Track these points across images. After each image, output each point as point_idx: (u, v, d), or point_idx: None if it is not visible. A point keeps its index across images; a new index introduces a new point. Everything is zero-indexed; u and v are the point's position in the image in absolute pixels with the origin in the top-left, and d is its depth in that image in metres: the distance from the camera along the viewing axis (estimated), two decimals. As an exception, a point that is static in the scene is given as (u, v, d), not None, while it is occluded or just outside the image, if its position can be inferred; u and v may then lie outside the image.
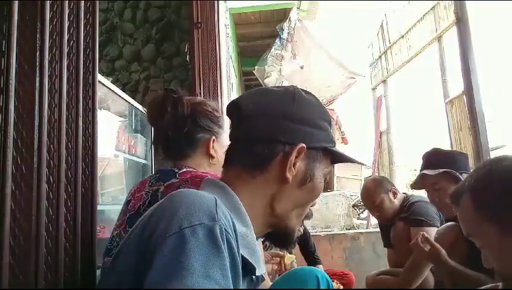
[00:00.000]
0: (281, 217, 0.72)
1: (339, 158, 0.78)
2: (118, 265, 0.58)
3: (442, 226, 1.84)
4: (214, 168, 1.16)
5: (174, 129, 1.13)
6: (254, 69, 5.71)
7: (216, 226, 0.52)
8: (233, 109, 0.75)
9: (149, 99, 1.18)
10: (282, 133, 0.70)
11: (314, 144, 0.72)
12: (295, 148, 0.69)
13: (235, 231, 0.57)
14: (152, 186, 1.10)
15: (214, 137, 1.17)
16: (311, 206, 0.79)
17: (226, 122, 0.98)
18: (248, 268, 0.62)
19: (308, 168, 0.72)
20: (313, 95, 0.77)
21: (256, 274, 0.64)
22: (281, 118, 0.71)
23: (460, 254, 1.63)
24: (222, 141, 1.22)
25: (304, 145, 0.69)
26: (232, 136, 0.77)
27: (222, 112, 1.17)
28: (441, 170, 1.72)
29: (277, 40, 5.35)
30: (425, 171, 1.79)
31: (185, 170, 1.09)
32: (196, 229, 0.51)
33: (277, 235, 0.75)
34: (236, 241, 0.57)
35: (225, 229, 0.53)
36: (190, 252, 0.49)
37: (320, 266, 2.76)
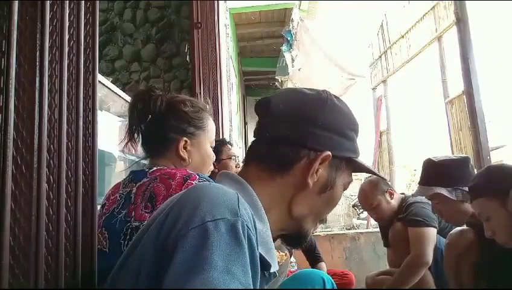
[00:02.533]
0: (298, 220, 0.72)
1: (361, 169, 0.78)
2: (133, 262, 0.58)
3: (455, 230, 1.82)
4: (190, 168, 1.15)
5: (146, 126, 1.14)
6: (277, 81, 5.71)
7: (238, 222, 0.52)
8: (263, 106, 0.74)
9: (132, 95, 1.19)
10: (309, 138, 0.69)
11: (339, 153, 0.71)
12: (321, 155, 0.68)
13: (255, 227, 0.57)
14: (125, 187, 1.09)
15: (185, 138, 1.16)
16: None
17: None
18: (263, 265, 0.62)
19: (330, 176, 0.71)
20: (345, 103, 0.76)
21: (271, 271, 0.64)
22: (310, 123, 0.70)
23: (472, 259, 1.65)
24: (200, 143, 1.20)
25: (329, 153, 0.69)
26: (257, 133, 0.76)
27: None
28: (432, 191, 1.76)
29: (284, 46, 5.34)
30: (418, 195, 1.93)
31: (155, 168, 1.09)
32: (219, 223, 0.51)
33: (291, 236, 0.76)
34: (256, 238, 0.57)
35: (247, 226, 0.54)
36: (212, 246, 0.49)
37: (323, 263, 2.75)
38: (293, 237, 0.75)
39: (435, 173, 1.80)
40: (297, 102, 0.73)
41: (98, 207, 0.78)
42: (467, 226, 1.75)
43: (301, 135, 0.69)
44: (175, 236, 0.52)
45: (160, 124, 1.14)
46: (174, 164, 1.15)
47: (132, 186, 1.07)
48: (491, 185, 1.40)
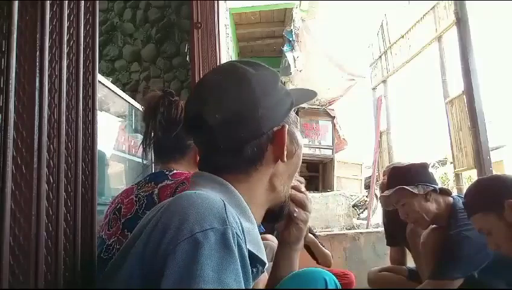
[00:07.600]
0: (280, 191, 0.74)
1: (300, 101, 0.80)
2: (124, 273, 0.57)
3: (427, 229, 1.93)
4: None
5: (164, 131, 1.12)
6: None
7: (228, 230, 0.53)
8: (197, 122, 0.68)
9: (147, 98, 1.18)
10: (261, 124, 0.67)
11: (288, 113, 0.72)
12: (283, 131, 0.70)
13: (243, 230, 0.58)
14: (142, 188, 1.08)
15: None
16: None
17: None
18: (255, 261, 0.63)
19: (292, 138, 0.73)
20: (258, 64, 0.73)
21: (265, 267, 0.66)
22: (252, 111, 0.67)
23: (438, 249, 1.79)
24: None
25: (286, 125, 0.70)
26: (206, 147, 0.72)
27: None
28: (395, 189, 1.83)
29: (286, 46, 5.33)
30: (382, 194, 1.95)
31: (175, 171, 1.10)
32: (208, 233, 0.51)
33: (272, 210, 0.77)
34: (244, 240, 0.57)
35: (236, 233, 0.54)
36: (203, 258, 0.49)
37: (327, 253, 2.76)
38: (275, 209, 0.77)
39: (398, 175, 1.90)
40: (229, 101, 0.67)
41: (98, 207, 0.78)
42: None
43: (253, 127, 0.67)
44: (164, 250, 0.51)
45: (178, 131, 1.10)
46: (189, 170, 1.15)
47: (153, 187, 1.06)
48: (484, 199, 1.38)
